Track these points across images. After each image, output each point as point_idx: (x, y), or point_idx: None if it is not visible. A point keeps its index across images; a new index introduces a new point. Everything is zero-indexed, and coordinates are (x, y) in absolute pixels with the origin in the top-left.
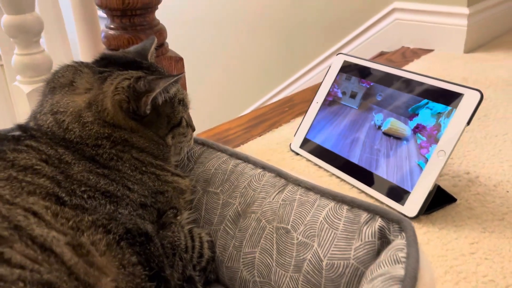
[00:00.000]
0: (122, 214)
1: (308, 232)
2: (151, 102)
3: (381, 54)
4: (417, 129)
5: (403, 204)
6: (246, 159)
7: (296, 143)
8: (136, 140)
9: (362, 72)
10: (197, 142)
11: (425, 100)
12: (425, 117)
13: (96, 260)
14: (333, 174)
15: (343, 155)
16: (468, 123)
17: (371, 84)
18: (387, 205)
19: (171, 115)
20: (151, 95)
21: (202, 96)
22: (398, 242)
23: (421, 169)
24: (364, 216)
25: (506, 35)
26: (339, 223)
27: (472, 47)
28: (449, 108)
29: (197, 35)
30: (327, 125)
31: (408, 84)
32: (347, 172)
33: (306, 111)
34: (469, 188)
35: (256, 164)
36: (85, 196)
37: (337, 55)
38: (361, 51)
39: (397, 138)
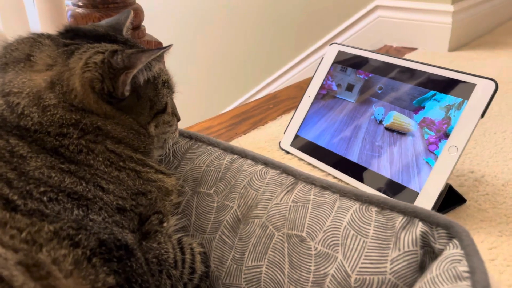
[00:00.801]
0: (94, 221)
1: (329, 240)
2: (131, 82)
3: None
4: (424, 123)
5: None
6: (243, 154)
7: (287, 141)
8: (111, 128)
9: (359, 63)
10: (183, 135)
11: (432, 92)
12: (432, 109)
13: (60, 284)
14: (329, 174)
15: (339, 153)
16: (482, 115)
17: (370, 75)
18: None
19: (154, 99)
20: (131, 72)
21: (179, 92)
22: (452, 252)
23: (430, 167)
24: (400, 219)
25: (489, 33)
26: (369, 229)
27: (456, 46)
28: (460, 99)
29: (174, 28)
30: (321, 120)
31: (411, 75)
32: (345, 171)
33: (296, 107)
34: (476, 188)
35: (256, 159)
36: (45, 198)
37: (330, 45)
38: None
39: (401, 133)
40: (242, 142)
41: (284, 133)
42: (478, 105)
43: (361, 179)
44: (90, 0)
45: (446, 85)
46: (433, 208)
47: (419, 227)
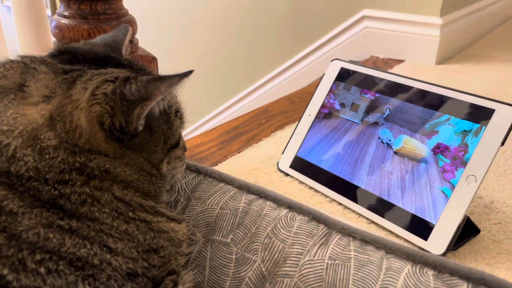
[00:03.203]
0: None
1: None
2: (146, 115)
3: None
4: (438, 149)
5: (426, 239)
6: (262, 194)
7: (285, 162)
8: (120, 171)
9: (364, 81)
10: (189, 168)
11: (446, 116)
12: (447, 135)
13: None
14: (334, 200)
15: (345, 178)
16: (503, 143)
17: (376, 95)
18: (405, 240)
19: (168, 132)
20: (148, 105)
21: None
22: None
23: (447, 197)
24: (464, 287)
25: (473, 45)
26: None
27: (443, 58)
28: (477, 125)
29: (155, 34)
30: (323, 141)
31: (423, 96)
32: (352, 198)
33: (296, 125)
34: (487, 216)
35: (279, 201)
36: (42, 270)
37: (332, 61)
38: (328, 59)
39: (413, 159)
40: (236, 162)
41: (282, 153)
42: (498, 132)
43: (368, 207)
44: (78, 10)
45: (462, 110)
46: (451, 241)
47: None
